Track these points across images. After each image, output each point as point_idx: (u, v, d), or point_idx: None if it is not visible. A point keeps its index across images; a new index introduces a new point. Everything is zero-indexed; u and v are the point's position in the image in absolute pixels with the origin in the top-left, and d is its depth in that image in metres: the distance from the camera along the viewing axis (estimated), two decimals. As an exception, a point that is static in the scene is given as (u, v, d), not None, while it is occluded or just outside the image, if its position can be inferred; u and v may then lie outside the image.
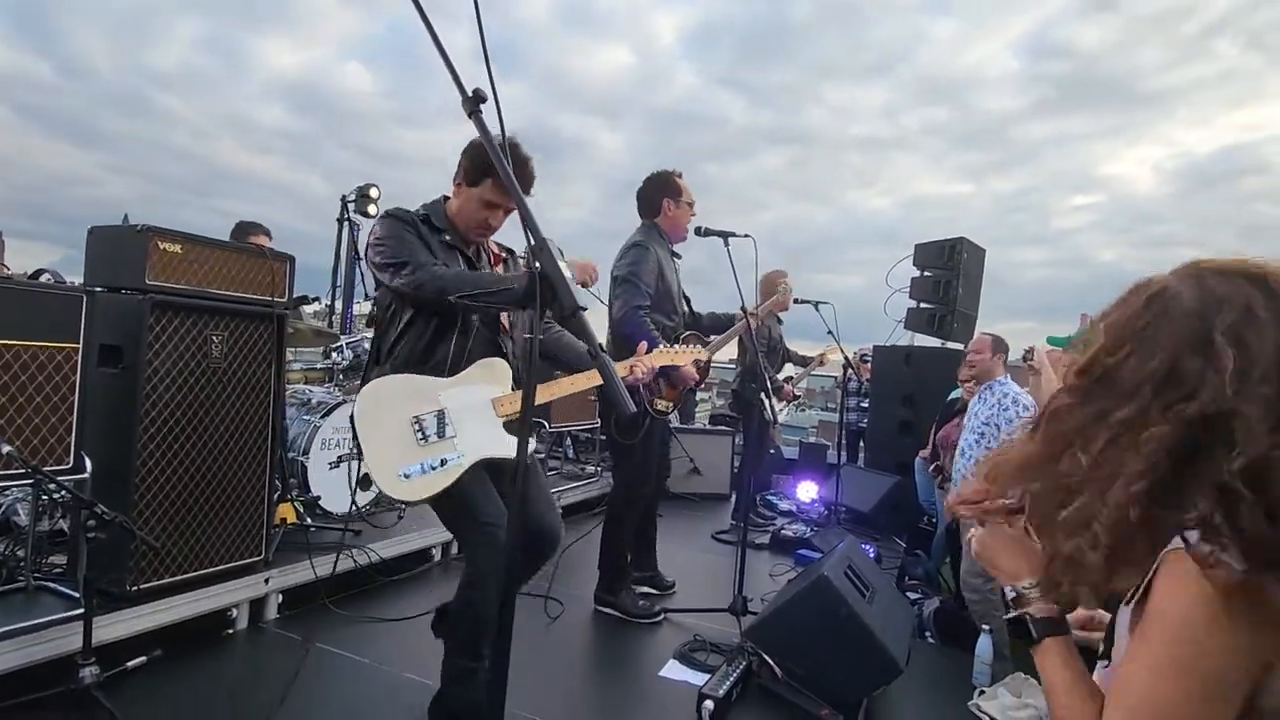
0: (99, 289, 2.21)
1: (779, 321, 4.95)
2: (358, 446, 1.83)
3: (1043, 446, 0.84)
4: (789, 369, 5.05)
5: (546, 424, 4.87)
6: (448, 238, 2.02)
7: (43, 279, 2.16)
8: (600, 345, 0.95)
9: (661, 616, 3.06)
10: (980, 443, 3.30)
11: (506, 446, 1.95)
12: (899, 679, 2.41)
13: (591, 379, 2.12)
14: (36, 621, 1.96)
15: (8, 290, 1.97)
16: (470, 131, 1.04)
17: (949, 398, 4.75)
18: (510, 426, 1.99)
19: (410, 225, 1.97)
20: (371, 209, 5.40)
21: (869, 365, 6.03)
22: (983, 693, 2.68)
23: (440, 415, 1.88)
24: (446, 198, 2.10)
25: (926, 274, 5.84)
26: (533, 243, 0.97)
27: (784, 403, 4.77)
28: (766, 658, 2.40)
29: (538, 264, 0.97)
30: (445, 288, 1.85)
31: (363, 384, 1.98)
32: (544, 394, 2.11)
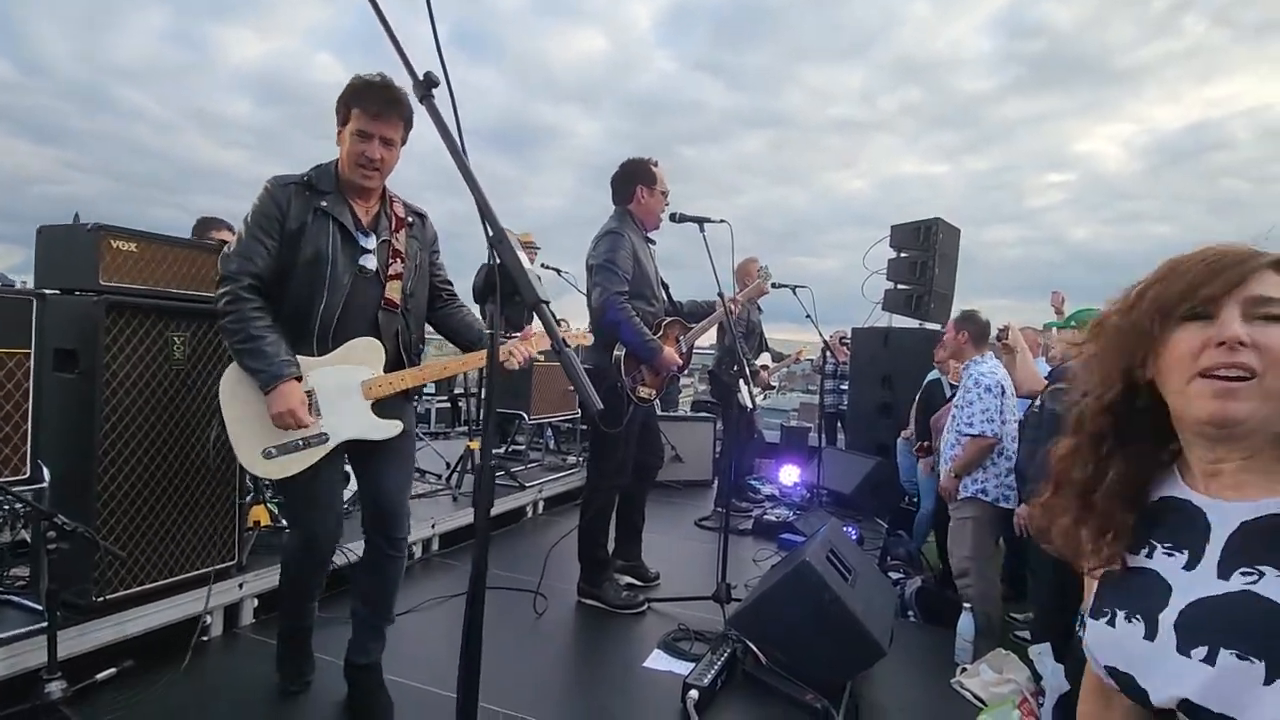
0: (51, 291, 2.12)
1: (759, 309, 4.94)
2: (220, 421, 1.89)
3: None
4: (765, 358, 5.05)
5: (526, 416, 4.83)
6: (325, 203, 1.93)
7: (-11, 283, 2.07)
8: (564, 340, 0.92)
9: (645, 607, 3.06)
10: (953, 426, 3.30)
11: (374, 429, 2.01)
12: (883, 660, 2.43)
13: (481, 359, 2.19)
14: (-3, 637, 1.89)
15: (-49, 295, 1.89)
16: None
17: (927, 379, 4.78)
18: (379, 408, 2.01)
19: (278, 203, 1.90)
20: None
21: (848, 347, 6.06)
22: (965, 670, 2.71)
23: (308, 395, 1.90)
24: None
25: (903, 255, 5.86)
26: (491, 234, 0.93)
27: (760, 390, 4.77)
28: (751, 645, 2.40)
29: (496, 257, 0.93)
30: (226, 328, 1.86)
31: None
32: (431, 373, 2.16)
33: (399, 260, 2.04)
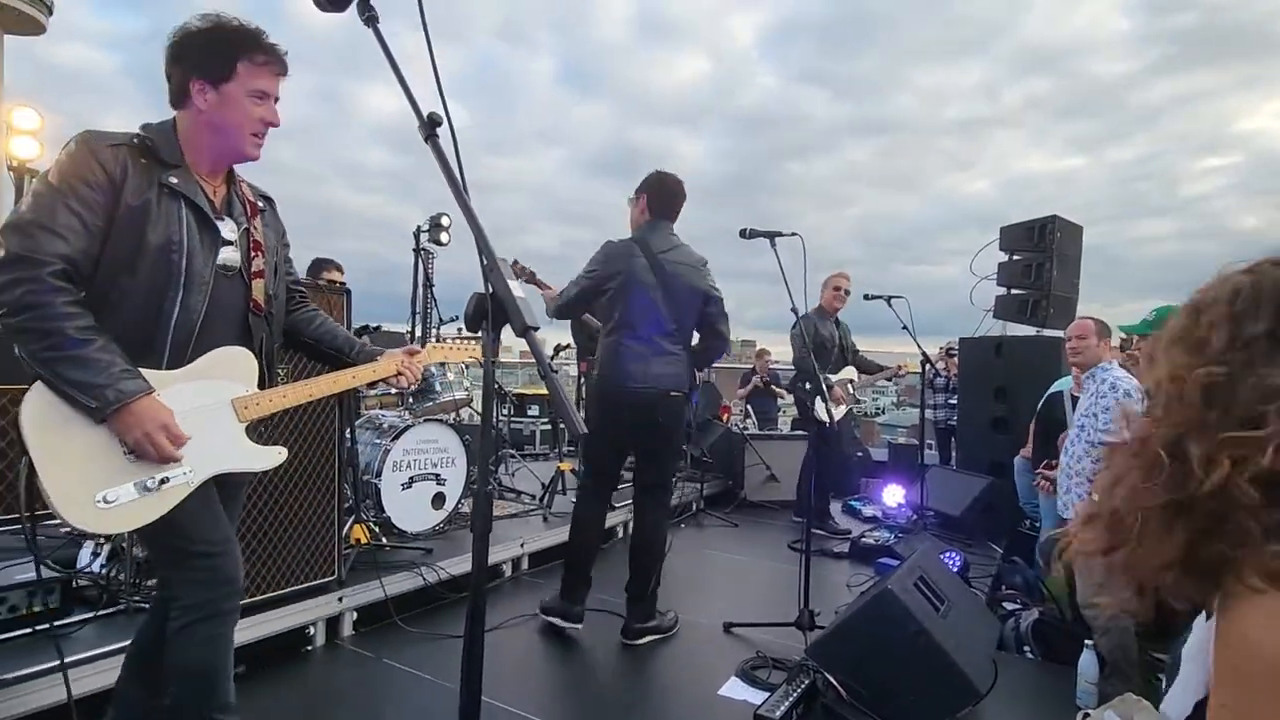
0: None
1: (836, 323, 4.74)
2: (29, 465, 1.36)
3: None
4: (848, 372, 4.81)
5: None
6: (174, 180, 1.49)
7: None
8: (550, 365, 0.93)
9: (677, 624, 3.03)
10: (1080, 436, 3.02)
11: (248, 458, 1.63)
12: (992, 700, 2.23)
13: (373, 372, 1.83)
14: (126, 644, 2.13)
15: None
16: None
17: (1050, 390, 4.39)
18: (254, 433, 1.65)
19: (105, 168, 1.42)
20: (443, 237, 5.62)
21: (956, 359, 5.69)
22: (1087, 715, 2.42)
23: None
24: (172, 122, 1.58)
25: (1015, 258, 5.46)
26: (484, 264, 0.96)
27: (838, 405, 4.55)
28: (829, 677, 2.27)
29: (489, 285, 0.96)
30: (23, 329, 1.34)
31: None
32: (320, 389, 1.77)
33: (259, 254, 1.67)
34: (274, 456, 1.68)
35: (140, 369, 1.43)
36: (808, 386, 3.13)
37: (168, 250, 1.46)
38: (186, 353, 1.52)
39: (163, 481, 1.45)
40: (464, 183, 1.02)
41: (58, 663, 1.93)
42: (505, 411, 6.10)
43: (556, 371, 1.07)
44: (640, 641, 2.89)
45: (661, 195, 2.95)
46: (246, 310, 1.64)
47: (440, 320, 5.27)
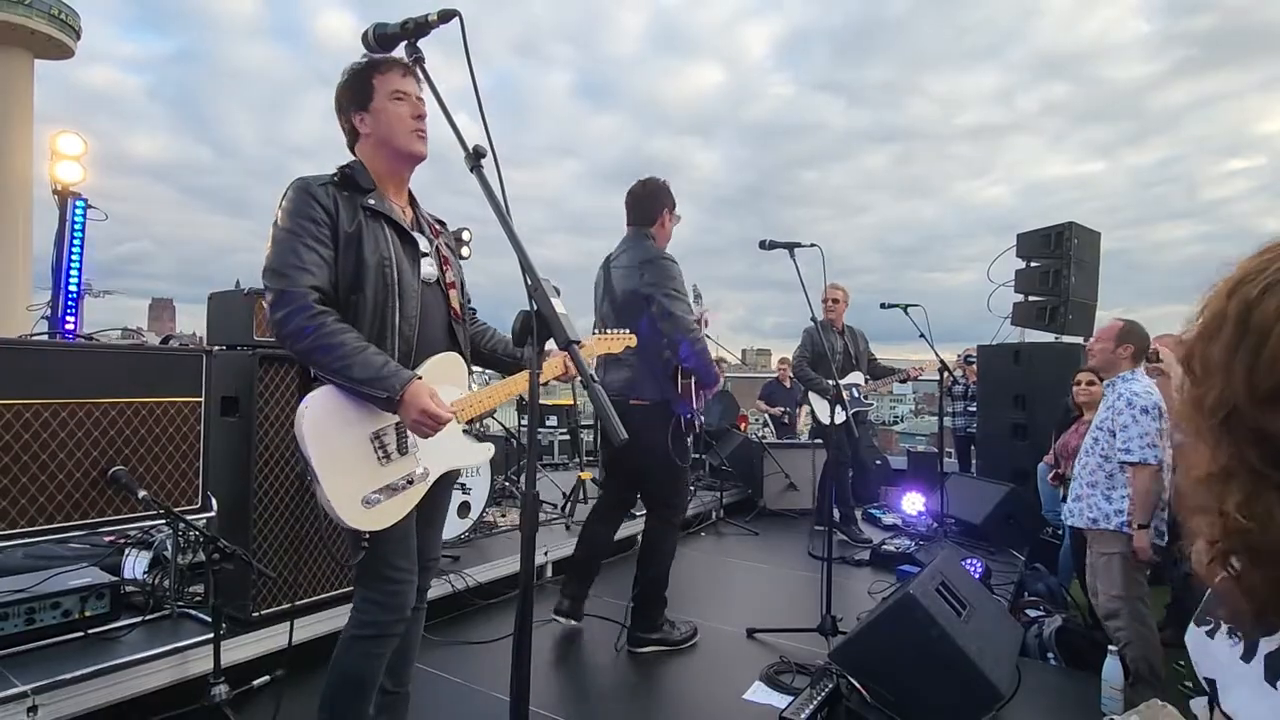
0: (217, 348, 2.50)
1: (842, 333, 4.76)
2: (311, 472, 1.54)
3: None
4: (855, 377, 4.81)
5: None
6: (373, 201, 1.67)
7: (172, 344, 2.48)
8: (592, 375, 0.99)
9: (697, 635, 3.00)
10: (1094, 449, 2.89)
11: (469, 455, 1.81)
12: (1016, 706, 2.26)
13: (548, 372, 1.89)
14: (174, 646, 2.22)
15: (142, 355, 2.29)
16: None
17: (1068, 397, 4.39)
18: (467, 431, 1.80)
19: (322, 205, 1.61)
20: (464, 251, 5.74)
21: (975, 366, 5.69)
22: (1111, 721, 2.44)
23: (400, 427, 1.64)
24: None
25: (1033, 265, 5.48)
26: (529, 283, 1.03)
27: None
28: (853, 681, 2.31)
29: (535, 304, 1.03)
30: (315, 349, 1.53)
31: (303, 395, 1.61)
32: (516, 387, 1.87)
33: (448, 268, 1.83)
34: (486, 451, 1.90)
35: None
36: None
37: (382, 265, 1.64)
38: (410, 359, 1.67)
39: (409, 482, 1.64)
40: (508, 208, 1.09)
41: (109, 664, 2.04)
42: (525, 422, 6.17)
43: (598, 381, 1.13)
44: (644, 650, 2.88)
45: (629, 205, 2.94)
46: (449, 319, 1.80)
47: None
